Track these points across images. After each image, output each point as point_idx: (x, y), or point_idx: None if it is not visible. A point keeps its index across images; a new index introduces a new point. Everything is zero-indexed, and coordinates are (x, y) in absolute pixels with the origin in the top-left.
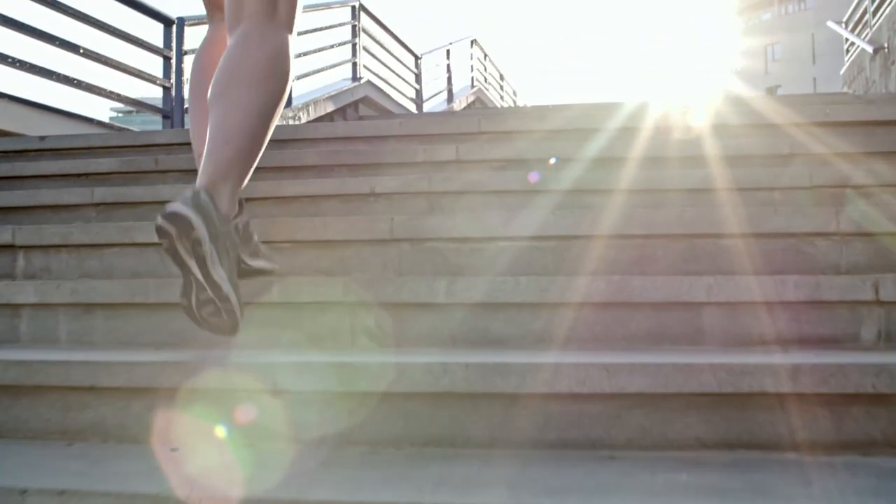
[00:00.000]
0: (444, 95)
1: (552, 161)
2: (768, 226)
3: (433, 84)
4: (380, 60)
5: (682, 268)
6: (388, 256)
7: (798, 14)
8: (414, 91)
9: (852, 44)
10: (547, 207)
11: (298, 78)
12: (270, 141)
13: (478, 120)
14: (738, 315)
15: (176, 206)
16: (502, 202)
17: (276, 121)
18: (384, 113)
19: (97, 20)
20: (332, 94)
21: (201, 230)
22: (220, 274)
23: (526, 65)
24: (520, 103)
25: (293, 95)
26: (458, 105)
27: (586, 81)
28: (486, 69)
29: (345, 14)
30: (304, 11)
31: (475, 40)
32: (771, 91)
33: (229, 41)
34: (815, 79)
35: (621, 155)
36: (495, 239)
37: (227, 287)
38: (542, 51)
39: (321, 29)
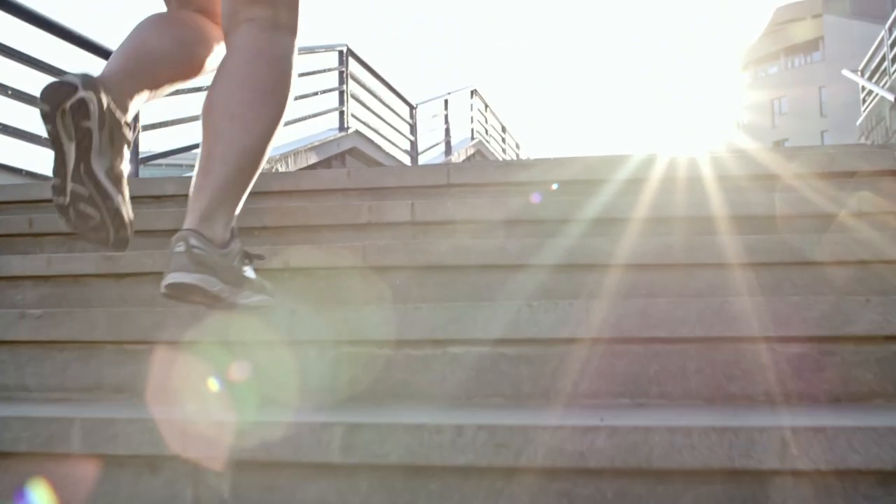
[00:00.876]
0: (442, 147)
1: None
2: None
3: (430, 135)
4: (370, 109)
5: (715, 392)
6: (284, 368)
7: (805, 67)
8: (408, 143)
9: (869, 93)
10: (525, 290)
11: None
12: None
13: (446, 171)
14: None
15: (176, 277)
16: (466, 283)
17: (277, 136)
18: (374, 165)
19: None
20: (315, 144)
21: (212, 289)
22: (102, 164)
23: (530, 117)
24: (522, 157)
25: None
26: (457, 157)
27: (595, 134)
28: (486, 121)
29: (331, 59)
30: None
31: (475, 90)
32: (778, 145)
33: (226, 46)
34: (822, 132)
35: (623, 216)
36: (446, 343)
37: (110, 186)
38: (549, 103)
39: (305, 74)
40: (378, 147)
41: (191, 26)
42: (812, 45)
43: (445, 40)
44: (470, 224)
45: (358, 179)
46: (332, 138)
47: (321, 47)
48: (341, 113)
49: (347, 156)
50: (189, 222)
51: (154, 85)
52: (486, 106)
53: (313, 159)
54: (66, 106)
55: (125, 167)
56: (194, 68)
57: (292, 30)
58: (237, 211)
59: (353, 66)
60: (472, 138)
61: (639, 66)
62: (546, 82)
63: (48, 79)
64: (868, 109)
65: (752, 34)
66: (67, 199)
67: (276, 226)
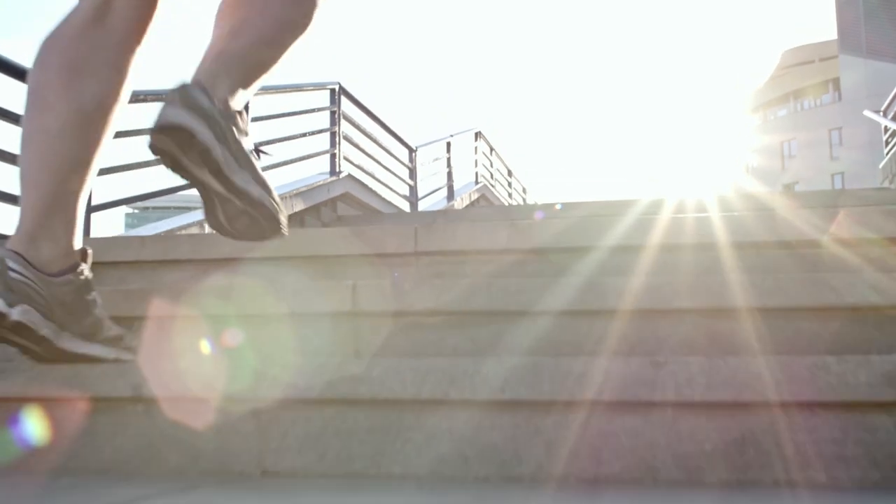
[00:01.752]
0: (444, 192)
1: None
2: None
3: (432, 180)
4: (365, 152)
5: None
6: None
7: (814, 110)
8: (408, 187)
9: (893, 134)
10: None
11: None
12: None
13: (414, 231)
14: None
15: (168, 115)
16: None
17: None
18: (369, 212)
19: None
20: (302, 189)
21: (204, 135)
22: (243, 178)
23: (538, 158)
24: (529, 201)
25: None
26: (460, 203)
27: (602, 175)
28: (492, 164)
29: (322, 98)
30: (271, 93)
31: (480, 132)
32: (789, 188)
33: None
34: (833, 175)
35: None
36: None
37: (255, 190)
38: (556, 145)
39: (292, 114)
40: (373, 192)
41: None
42: (821, 88)
43: (449, 80)
44: (437, 317)
45: (297, 244)
46: (321, 183)
47: (310, 85)
48: (332, 156)
49: (339, 202)
50: (10, 242)
51: (249, 51)
52: (492, 149)
53: (300, 206)
54: (188, 152)
55: (251, 152)
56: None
57: None
58: (77, 225)
59: (347, 105)
60: (477, 182)
61: (646, 109)
62: (553, 123)
63: None
64: (893, 151)
65: (760, 77)
66: (222, 219)
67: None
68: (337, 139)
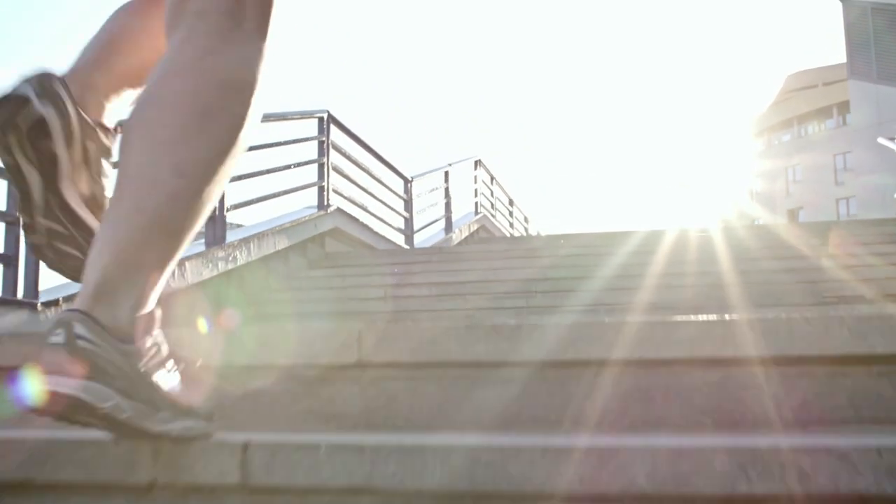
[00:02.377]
0: (442, 224)
1: None
2: None
3: (430, 211)
4: (357, 184)
5: None
6: None
7: (818, 135)
8: (403, 220)
9: None
10: None
11: (237, 207)
12: None
13: (357, 338)
14: None
15: (49, 384)
16: None
17: (225, 181)
18: (361, 247)
19: None
20: (286, 226)
21: (103, 405)
22: (156, 420)
23: (539, 184)
24: (532, 231)
25: (226, 231)
26: (459, 235)
27: (604, 201)
28: (492, 193)
29: (310, 127)
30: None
31: (480, 161)
32: (793, 214)
33: (166, 48)
34: (838, 200)
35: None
36: None
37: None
38: (557, 171)
39: (276, 144)
40: (365, 226)
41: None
42: (825, 113)
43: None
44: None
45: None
46: (307, 218)
47: (296, 113)
48: (321, 188)
49: (328, 238)
50: (79, 300)
51: (135, 73)
52: (492, 177)
53: (283, 244)
54: (19, 124)
55: (107, 183)
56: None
57: (260, 30)
58: (158, 286)
59: (336, 134)
60: (476, 213)
61: (647, 132)
62: (555, 147)
63: None
64: None
65: (763, 102)
66: (43, 238)
67: None
68: (325, 171)
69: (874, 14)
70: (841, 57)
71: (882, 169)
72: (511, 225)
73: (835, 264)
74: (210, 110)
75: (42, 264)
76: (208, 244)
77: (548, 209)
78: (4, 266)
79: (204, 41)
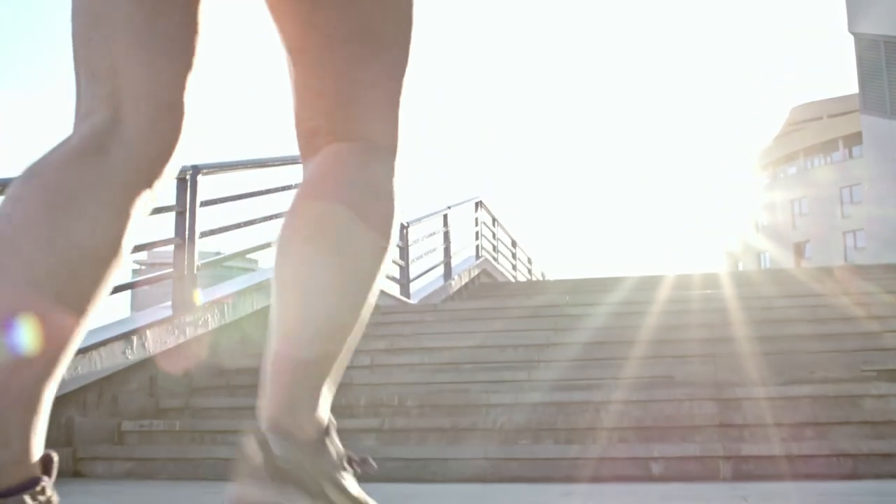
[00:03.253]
0: (440, 270)
1: None
2: None
3: (428, 257)
4: None
5: None
6: None
7: (824, 167)
8: (398, 268)
9: None
10: None
11: (208, 264)
12: None
13: None
14: None
15: (246, 496)
16: None
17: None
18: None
19: None
20: (264, 283)
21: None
22: None
23: (541, 225)
24: (536, 272)
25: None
26: (459, 281)
27: (610, 239)
28: (494, 235)
29: (296, 175)
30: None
31: (481, 202)
32: (799, 247)
33: (302, 178)
34: (845, 233)
35: None
36: None
37: None
38: (559, 210)
39: (252, 195)
40: None
41: None
42: (831, 145)
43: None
44: None
45: None
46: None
47: (277, 160)
48: None
49: None
50: (267, 420)
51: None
52: (494, 219)
53: (262, 303)
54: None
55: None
56: None
57: (392, 148)
58: (330, 389)
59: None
60: (478, 257)
61: (652, 168)
62: (555, 188)
63: None
64: None
65: (768, 134)
66: None
67: None
68: None
69: (887, 47)
70: (846, 88)
71: (892, 203)
72: (514, 267)
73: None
74: (364, 216)
75: None
76: (176, 308)
77: (553, 248)
78: None
79: (343, 159)
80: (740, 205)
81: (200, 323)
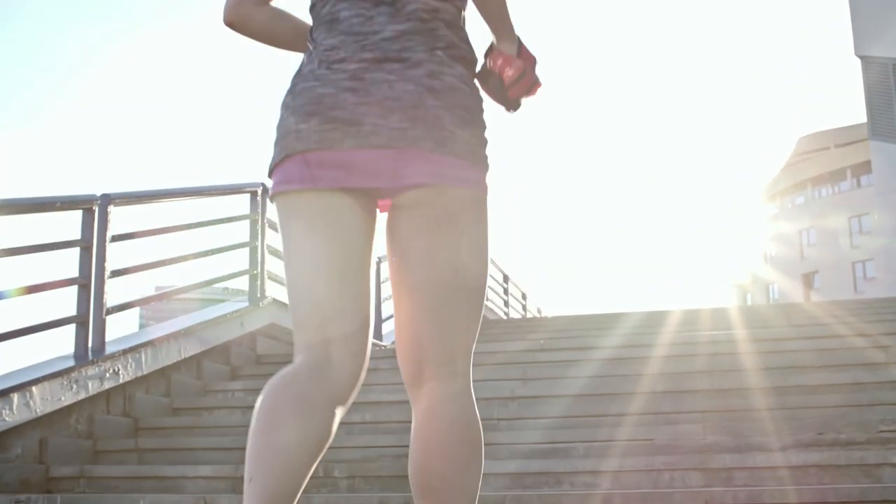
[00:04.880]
0: None
1: None
2: None
3: None
4: None
5: None
6: None
7: (832, 197)
8: None
9: None
10: None
11: (123, 308)
12: None
13: None
14: None
15: None
16: None
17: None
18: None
19: None
20: (196, 327)
21: None
22: None
23: (540, 261)
24: (531, 308)
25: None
26: None
27: (613, 274)
28: None
29: (239, 204)
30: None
31: None
32: (808, 277)
33: (415, 413)
34: (854, 263)
35: None
36: None
37: None
38: (561, 247)
39: (187, 227)
40: None
41: None
42: (839, 175)
43: None
44: None
45: None
46: (230, 315)
47: (219, 188)
48: (253, 277)
49: (261, 336)
50: None
51: None
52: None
53: (194, 349)
54: None
55: None
56: None
57: (467, 376)
58: None
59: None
60: None
61: (659, 199)
62: (557, 218)
63: None
64: None
65: (775, 164)
66: None
67: None
68: (259, 255)
69: (895, 72)
70: (854, 117)
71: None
72: (506, 303)
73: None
74: (466, 457)
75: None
76: (78, 358)
77: (554, 283)
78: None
79: (441, 405)
80: (748, 236)
81: (109, 375)
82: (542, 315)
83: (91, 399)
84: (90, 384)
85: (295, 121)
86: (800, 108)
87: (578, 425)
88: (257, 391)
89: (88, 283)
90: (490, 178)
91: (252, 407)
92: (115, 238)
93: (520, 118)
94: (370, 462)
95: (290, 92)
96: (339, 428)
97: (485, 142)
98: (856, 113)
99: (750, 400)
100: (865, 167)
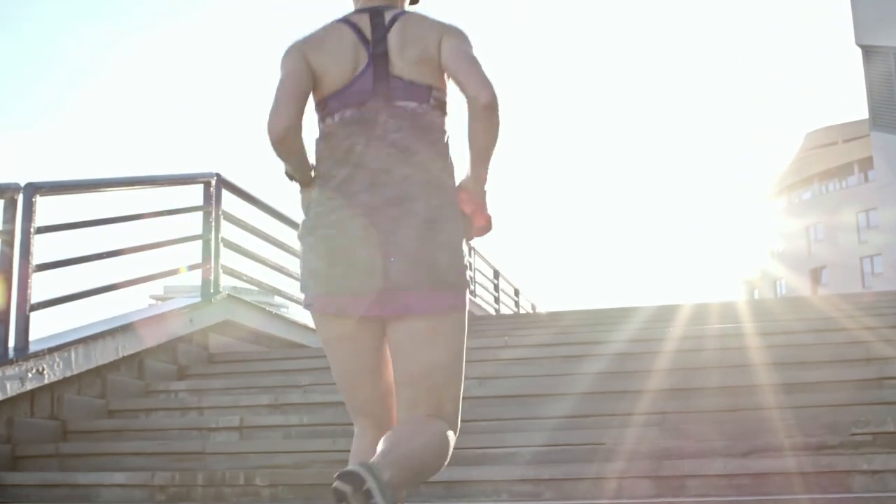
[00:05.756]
0: None
1: None
2: None
3: None
4: (269, 264)
5: None
6: None
7: (839, 192)
8: None
9: None
10: None
11: (49, 304)
12: None
13: None
14: None
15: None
16: None
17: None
18: (273, 345)
19: None
20: (137, 323)
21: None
22: None
23: (545, 255)
24: (525, 305)
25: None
26: None
27: (619, 270)
28: (471, 266)
29: (192, 194)
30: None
31: None
32: (816, 273)
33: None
34: (862, 258)
35: None
36: None
37: None
38: (565, 240)
39: (126, 218)
40: (275, 316)
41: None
42: (846, 169)
43: None
44: None
45: None
46: (177, 311)
47: (170, 178)
48: (206, 271)
49: (214, 333)
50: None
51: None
52: (472, 248)
53: (133, 346)
54: (359, 491)
55: None
56: None
57: (454, 425)
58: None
59: (231, 201)
60: None
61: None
62: (559, 211)
63: None
64: None
65: (782, 160)
66: None
67: None
68: (213, 249)
69: None
70: (861, 112)
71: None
72: (496, 300)
73: None
74: (434, 462)
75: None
76: None
77: (560, 278)
78: None
79: (426, 422)
80: (755, 232)
81: (32, 375)
82: (536, 311)
83: (11, 401)
84: (9, 385)
85: (322, 266)
86: (807, 105)
87: (522, 428)
88: (204, 391)
89: (9, 277)
90: (491, 179)
91: (196, 408)
92: (41, 230)
93: (520, 116)
94: (300, 468)
95: (312, 232)
96: (275, 431)
97: (466, 266)
98: (865, 108)
99: (709, 401)
100: (872, 162)
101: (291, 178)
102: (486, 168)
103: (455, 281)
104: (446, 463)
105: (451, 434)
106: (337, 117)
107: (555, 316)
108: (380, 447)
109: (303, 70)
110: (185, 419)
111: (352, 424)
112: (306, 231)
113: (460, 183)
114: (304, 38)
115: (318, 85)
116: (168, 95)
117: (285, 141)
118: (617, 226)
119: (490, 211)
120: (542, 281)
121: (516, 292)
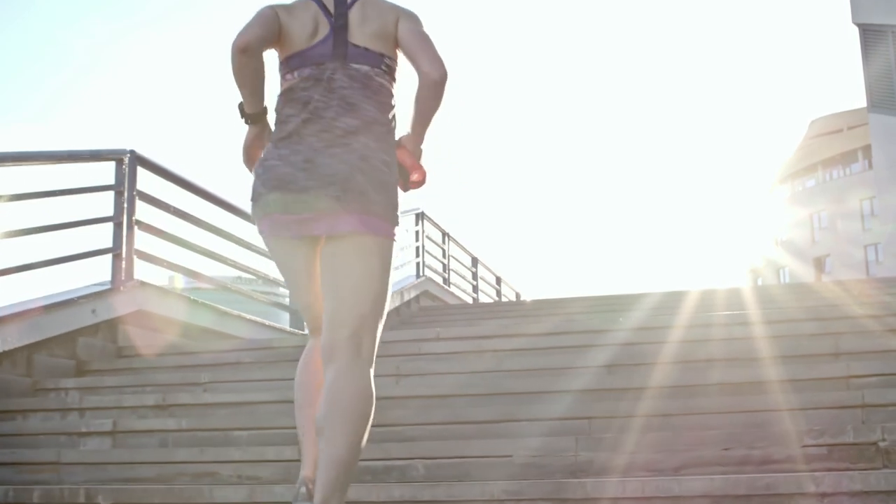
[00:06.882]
0: None
1: None
2: None
3: None
4: (195, 248)
5: None
6: None
7: (843, 179)
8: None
9: None
10: None
11: None
12: None
13: None
14: None
15: None
16: None
17: (364, 442)
18: (214, 337)
19: None
20: (19, 314)
21: None
22: None
23: (542, 243)
24: (508, 294)
25: None
26: (389, 304)
27: (621, 259)
28: (444, 253)
29: (102, 172)
30: None
31: (423, 213)
32: (819, 261)
33: (325, 373)
34: (866, 246)
35: None
36: None
37: None
38: (562, 227)
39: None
40: (200, 304)
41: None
42: (850, 157)
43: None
44: None
45: None
46: (74, 299)
47: (69, 153)
48: (116, 257)
49: (127, 326)
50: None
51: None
52: (445, 234)
53: (21, 339)
54: None
55: None
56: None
57: (370, 361)
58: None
59: (148, 180)
60: (419, 276)
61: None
62: (560, 197)
63: None
64: None
65: (787, 147)
66: None
67: None
68: (124, 232)
69: (895, 39)
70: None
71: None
72: (475, 289)
73: None
74: (359, 413)
75: None
76: None
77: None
78: None
79: (348, 373)
80: (759, 220)
81: None
82: (521, 300)
83: None
84: None
85: (265, 191)
86: (813, 92)
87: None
88: (94, 389)
89: None
90: (486, 179)
91: (77, 409)
92: None
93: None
94: (162, 483)
95: (262, 164)
96: (151, 437)
97: (397, 205)
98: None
99: (644, 405)
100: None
101: (243, 114)
102: (425, 130)
103: (382, 213)
104: (373, 408)
105: (370, 378)
106: (297, 74)
107: (518, 305)
108: (318, 461)
109: (274, 17)
110: (62, 422)
111: (236, 430)
112: (258, 164)
113: (400, 138)
114: (278, 3)
115: (282, 42)
116: (173, 92)
117: (247, 51)
118: (621, 214)
119: (425, 167)
120: (546, 270)
121: (498, 280)
